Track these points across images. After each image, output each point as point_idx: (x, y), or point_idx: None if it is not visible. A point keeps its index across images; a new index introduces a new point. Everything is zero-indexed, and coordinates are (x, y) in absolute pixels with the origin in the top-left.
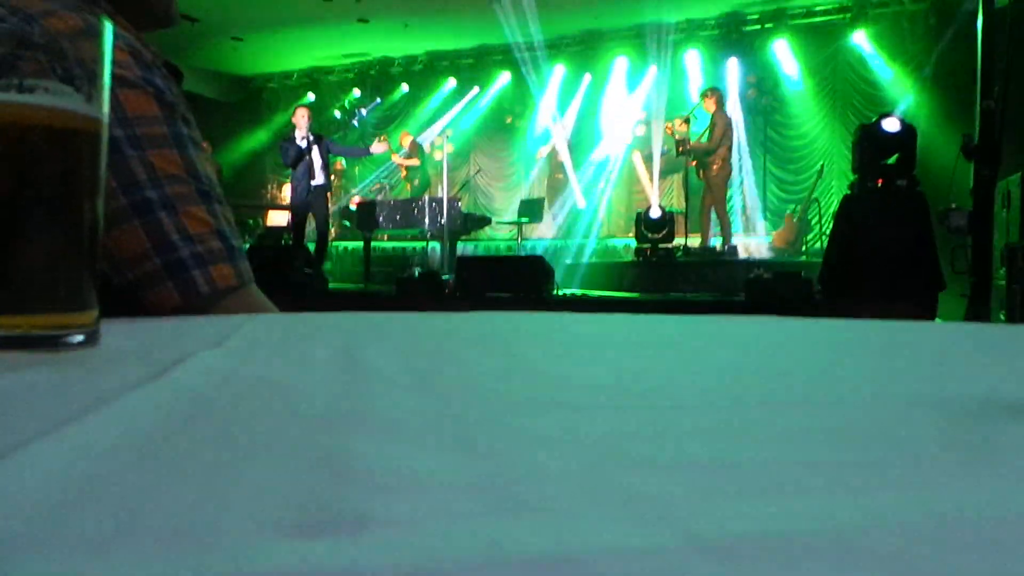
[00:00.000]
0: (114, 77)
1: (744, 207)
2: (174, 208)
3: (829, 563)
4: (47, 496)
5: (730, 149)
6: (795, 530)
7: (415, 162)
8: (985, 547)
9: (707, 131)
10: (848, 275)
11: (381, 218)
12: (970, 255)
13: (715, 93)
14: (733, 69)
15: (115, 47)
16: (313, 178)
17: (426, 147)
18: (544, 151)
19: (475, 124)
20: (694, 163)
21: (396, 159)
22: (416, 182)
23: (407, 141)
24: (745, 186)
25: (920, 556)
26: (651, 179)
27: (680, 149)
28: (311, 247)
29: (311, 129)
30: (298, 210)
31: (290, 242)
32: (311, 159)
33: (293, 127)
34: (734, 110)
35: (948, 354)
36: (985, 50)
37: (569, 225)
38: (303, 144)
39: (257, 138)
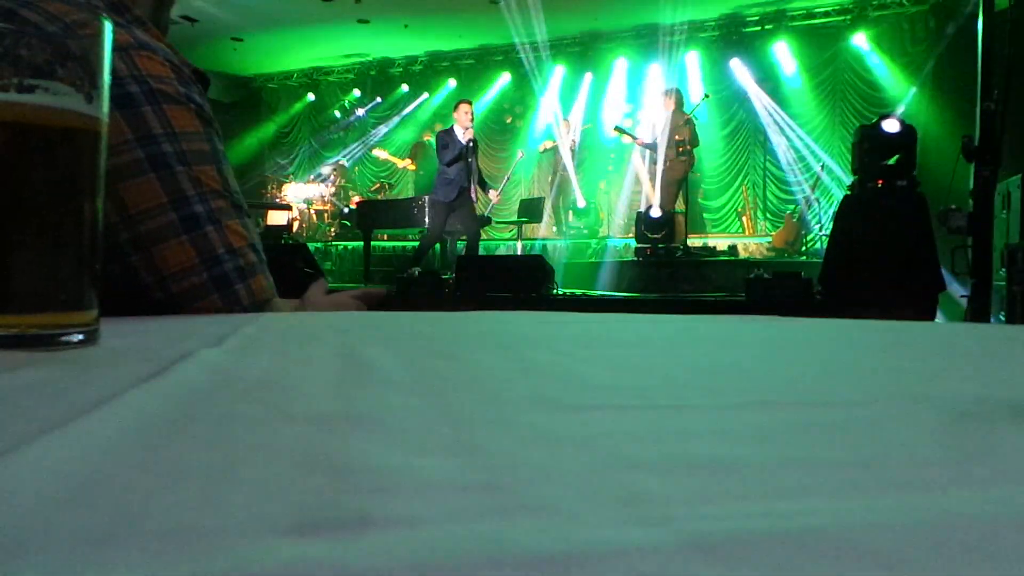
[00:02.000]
0: (159, 92)
1: (743, 207)
2: (219, 222)
3: (829, 563)
4: (47, 495)
5: (687, 150)
6: (795, 530)
7: (412, 166)
8: (984, 547)
9: (663, 131)
10: (848, 275)
11: (381, 218)
12: (970, 256)
13: (674, 93)
14: (735, 69)
15: (157, 62)
16: (467, 180)
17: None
18: (545, 145)
19: (475, 124)
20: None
21: (398, 163)
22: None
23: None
24: (744, 186)
25: (920, 556)
26: (651, 179)
27: (680, 149)
28: (311, 247)
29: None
30: (438, 213)
31: (290, 241)
32: (468, 159)
33: (452, 122)
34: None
35: (948, 354)
36: (985, 51)
37: (569, 225)
38: (465, 142)
39: (257, 138)
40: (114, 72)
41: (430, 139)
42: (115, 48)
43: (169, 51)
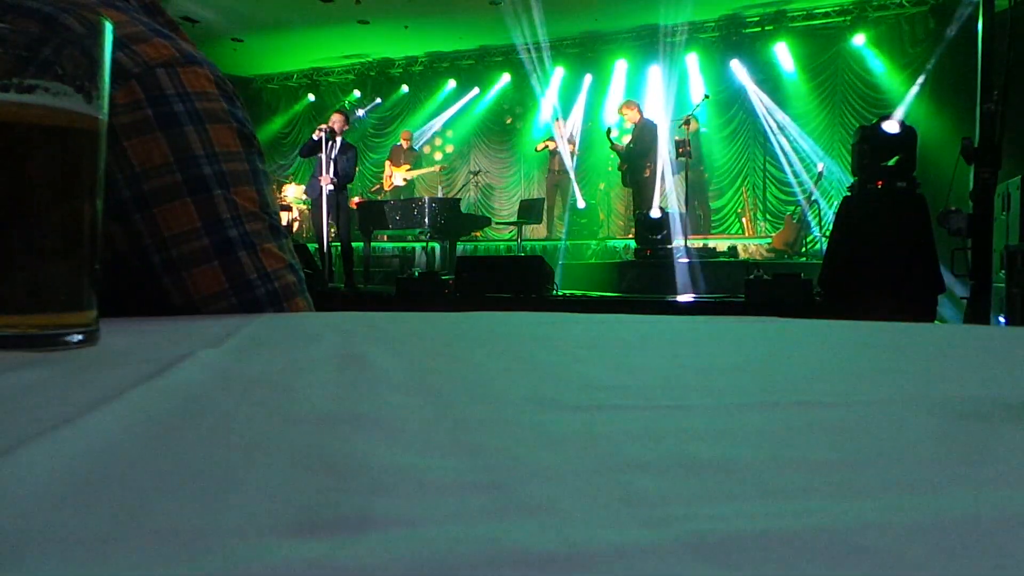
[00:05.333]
0: (203, 111)
1: (743, 209)
2: (253, 246)
3: (829, 563)
4: (47, 495)
5: (687, 151)
6: (795, 530)
7: (412, 174)
8: (984, 547)
9: (633, 139)
10: (848, 277)
11: (381, 218)
12: (970, 257)
13: (633, 104)
14: (734, 70)
15: (203, 77)
16: (322, 174)
17: (426, 148)
18: (547, 145)
19: (475, 125)
20: (624, 167)
21: (395, 171)
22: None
23: (405, 142)
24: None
25: (919, 556)
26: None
27: (680, 151)
28: (311, 247)
29: (343, 134)
30: (314, 209)
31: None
32: (323, 156)
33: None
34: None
35: (947, 356)
36: (985, 53)
37: (569, 225)
38: (316, 139)
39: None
40: (160, 89)
41: (410, 143)
42: (161, 63)
43: (213, 64)
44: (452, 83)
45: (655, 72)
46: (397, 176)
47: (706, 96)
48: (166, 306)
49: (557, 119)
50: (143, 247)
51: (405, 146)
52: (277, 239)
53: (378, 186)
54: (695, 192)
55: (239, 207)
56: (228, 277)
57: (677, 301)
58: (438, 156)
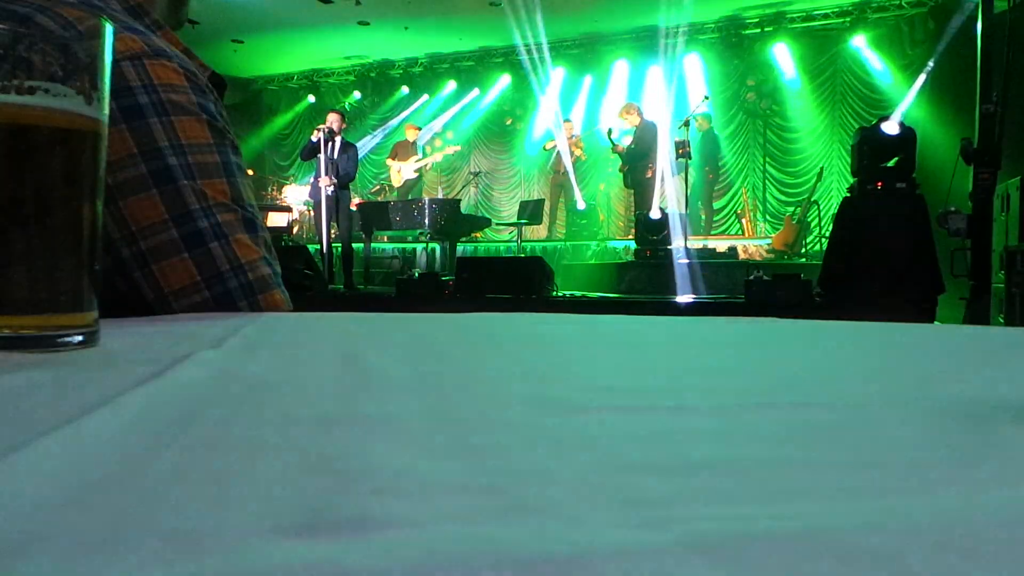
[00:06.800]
0: (169, 103)
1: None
2: (225, 237)
3: (829, 563)
4: (47, 496)
5: (687, 151)
6: (795, 530)
7: (423, 163)
8: (984, 548)
9: (634, 140)
10: (847, 278)
11: (382, 219)
12: (969, 258)
13: (633, 107)
14: (733, 72)
15: (170, 69)
16: (322, 175)
17: (427, 149)
18: (552, 144)
19: (475, 126)
20: (624, 168)
21: (403, 164)
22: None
23: (412, 134)
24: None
25: (920, 556)
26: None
27: (680, 152)
28: (311, 248)
29: (342, 133)
30: (315, 212)
31: (290, 243)
32: (323, 157)
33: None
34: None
35: (946, 357)
36: (984, 54)
37: (569, 226)
38: (315, 141)
39: (257, 140)
40: (125, 81)
41: (415, 139)
42: (128, 56)
43: (184, 57)
44: (452, 84)
45: (655, 73)
46: (407, 169)
47: (706, 97)
48: (138, 301)
49: (565, 120)
50: (112, 242)
51: (411, 139)
52: (251, 232)
53: (378, 187)
54: (701, 192)
55: (209, 198)
56: (199, 269)
57: (677, 302)
58: (438, 157)
